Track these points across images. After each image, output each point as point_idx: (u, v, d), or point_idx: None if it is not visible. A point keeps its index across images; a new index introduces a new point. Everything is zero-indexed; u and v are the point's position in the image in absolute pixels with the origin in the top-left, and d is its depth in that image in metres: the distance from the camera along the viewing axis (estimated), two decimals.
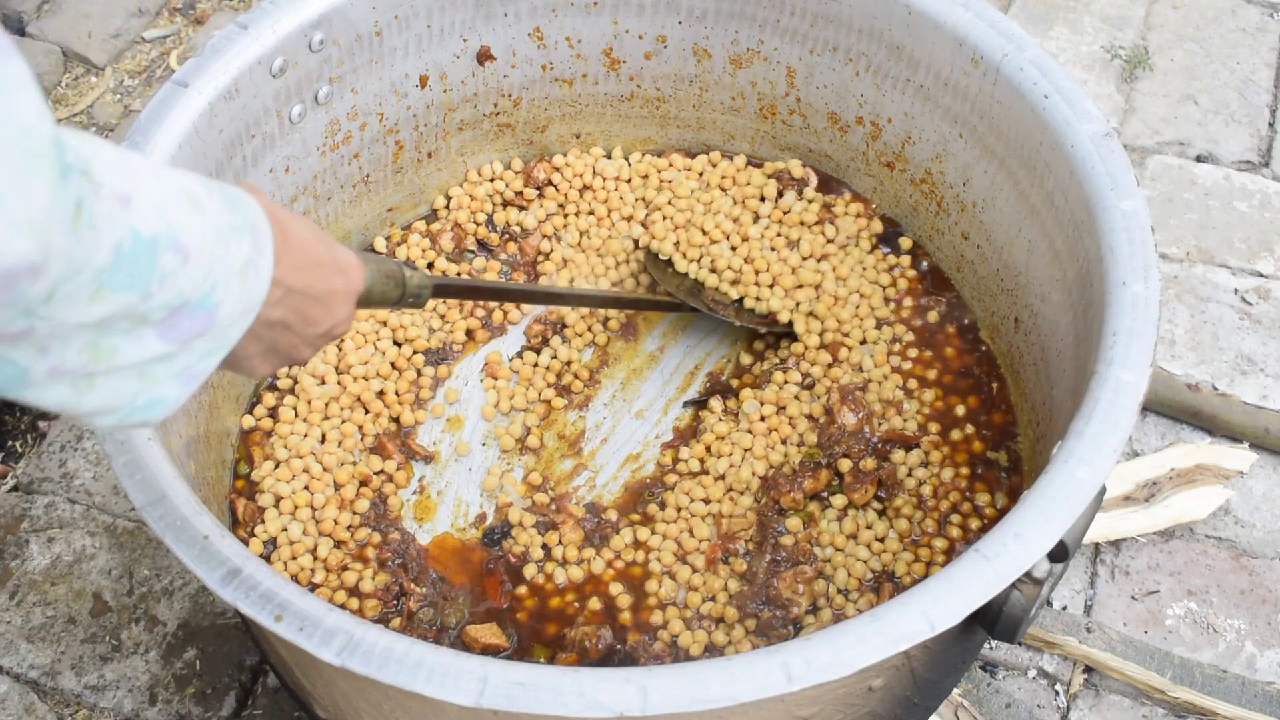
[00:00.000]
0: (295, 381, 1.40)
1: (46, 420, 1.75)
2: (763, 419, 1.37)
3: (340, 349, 1.42)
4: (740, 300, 1.45)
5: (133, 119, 1.77)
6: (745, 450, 1.35)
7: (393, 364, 1.42)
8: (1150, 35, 2.22)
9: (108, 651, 1.51)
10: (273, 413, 1.38)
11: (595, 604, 1.25)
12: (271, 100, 1.30)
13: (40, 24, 2.21)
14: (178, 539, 0.94)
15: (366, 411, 1.38)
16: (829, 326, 1.43)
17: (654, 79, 1.54)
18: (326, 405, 1.37)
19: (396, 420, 1.38)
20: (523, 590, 1.27)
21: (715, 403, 1.39)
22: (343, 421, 1.37)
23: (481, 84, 1.50)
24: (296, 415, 1.37)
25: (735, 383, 1.42)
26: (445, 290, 1.11)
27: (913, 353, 1.41)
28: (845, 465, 1.31)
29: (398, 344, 1.44)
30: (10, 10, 2.21)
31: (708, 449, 1.36)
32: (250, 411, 1.38)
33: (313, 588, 1.24)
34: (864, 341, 1.42)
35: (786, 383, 1.39)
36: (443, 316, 1.48)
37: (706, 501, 1.32)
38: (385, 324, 1.45)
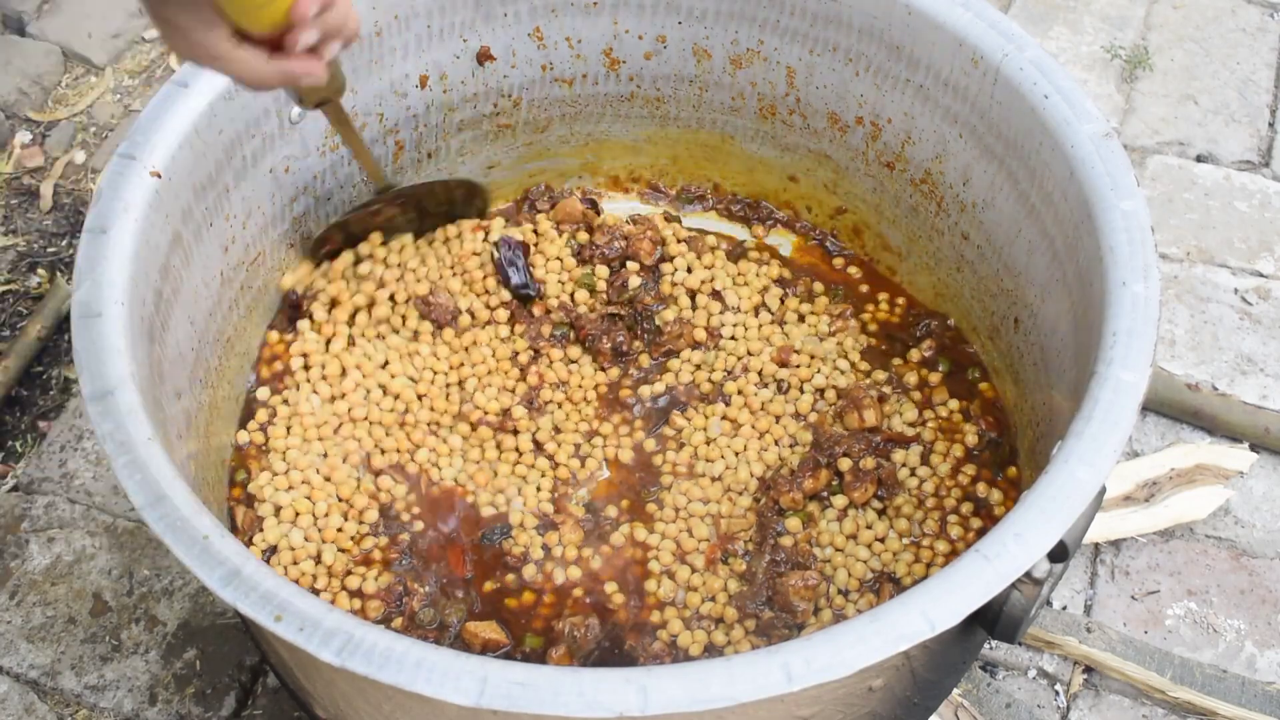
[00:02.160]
0: (287, 404, 1.37)
1: (46, 420, 1.75)
2: (753, 425, 1.38)
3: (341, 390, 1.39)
4: None
5: (133, 119, 1.77)
6: (738, 453, 1.35)
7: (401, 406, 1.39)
8: (1150, 35, 2.22)
9: (108, 651, 1.51)
10: (265, 428, 1.36)
11: (579, 593, 1.25)
12: (271, 100, 1.30)
13: (40, 24, 2.21)
14: (178, 539, 0.94)
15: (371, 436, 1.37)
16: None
17: (654, 79, 1.54)
18: (320, 426, 1.36)
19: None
20: (511, 579, 1.27)
21: (678, 419, 1.40)
22: (345, 439, 1.35)
23: (481, 84, 1.50)
24: (289, 432, 1.35)
25: (688, 398, 1.42)
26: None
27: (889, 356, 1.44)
28: (845, 465, 1.31)
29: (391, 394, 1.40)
30: (10, 10, 2.21)
31: (695, 453, 1.37)
32: (244, 426, 1.36)
33: (315, 592, 1.24)
34: (813, 357, 1.44)
35: (740, 392, 1.40)
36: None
37: (705, 502, 1.32)
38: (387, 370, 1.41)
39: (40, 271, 1.91)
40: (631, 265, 1.50)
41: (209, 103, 1.23)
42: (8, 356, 1.77)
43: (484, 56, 1.48)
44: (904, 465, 1.32)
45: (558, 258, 1.51)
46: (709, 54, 1.50)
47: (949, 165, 1.39)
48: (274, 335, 1.42)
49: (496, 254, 1.47)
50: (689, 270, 1.50)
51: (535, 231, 1.54)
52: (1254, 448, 1.69)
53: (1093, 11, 2.26)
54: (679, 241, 1.53)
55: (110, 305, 1.07)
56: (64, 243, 1.95)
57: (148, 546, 1.60)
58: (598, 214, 1.55)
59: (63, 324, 1.83)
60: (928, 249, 1.48)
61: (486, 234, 1.50)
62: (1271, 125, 2.09)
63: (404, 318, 1.43)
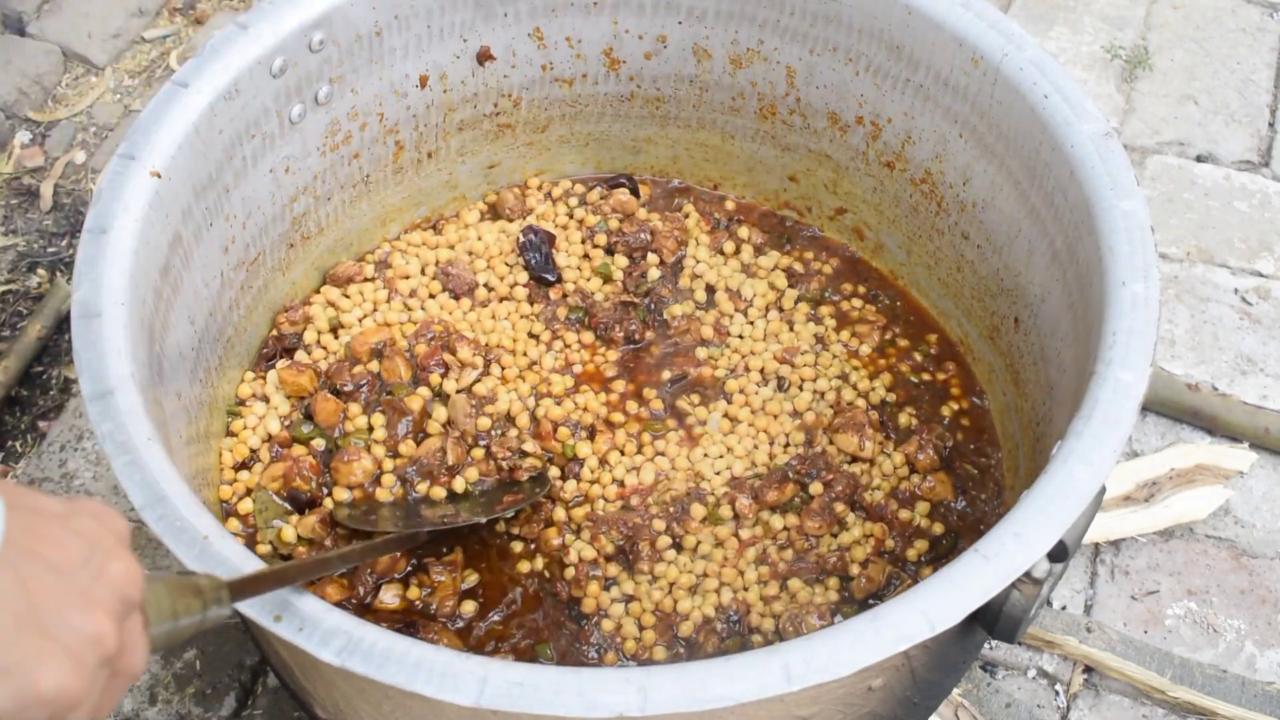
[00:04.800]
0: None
1: (46, 420, 1.75)
2: (750, 424, 1.38)
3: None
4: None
5: (133, 119, 1.77)
6: (730, 448, 1.36)
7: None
8: (1150, 35, 2.22)
9: None
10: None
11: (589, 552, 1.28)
12: (271, 100, 1.30)
13: (40, 24, 2.21)
14: (177, 539, 0.94)
15: None
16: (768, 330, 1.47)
17: (654, 79, 1.54)
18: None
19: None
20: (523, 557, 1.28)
21: (685, 406, 1.40)
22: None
23: (481, 84, 1.50)
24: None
25: (701, 387, 1.43)
26: (244, 589, 0.88)
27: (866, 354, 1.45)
28: (816, 489, 1.31)
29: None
30: (10, 10, 2.21)
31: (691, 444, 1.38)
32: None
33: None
34: (817, 357, 1.44)
35: (741, 390, 1.40)
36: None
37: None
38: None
39: (40, 271, 1.91)
40: (652, 258, 1.51)
41: (209, 103, 1.23)
42: (8, 356, 1.77)
43: (484, 56, 1.48)
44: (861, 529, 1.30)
45: (581, 242, 1.53)
46: (709, 54, 1.50)
47: (949, 165, 1.39)
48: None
49: (521, 238, 1.49)
50: (709, 266, 1.52)
51: (569, 216, 1.56)
52: (1254, 448, 1.69)
53: (1093, 11, 2.26)
54: (705, 232, 1.54)
55: (110, 305, 1.07)
56: (64, 243, 1.95)
57: (148, 546, 1.60)
58: (638, 199, 1.58)
59: (63, 324, 1.83)
60: (928, 249, 1.48)
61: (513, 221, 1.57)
62: (1271, 125, 2.09)
63: (428, 290, 1.48)
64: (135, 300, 1.10)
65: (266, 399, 1.38)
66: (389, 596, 1.23)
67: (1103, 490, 0.99)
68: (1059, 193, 1.21)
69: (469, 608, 1.24)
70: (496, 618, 1.24)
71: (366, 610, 1.23)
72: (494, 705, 0.84)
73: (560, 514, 1.30)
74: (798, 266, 1.53)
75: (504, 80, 1.51)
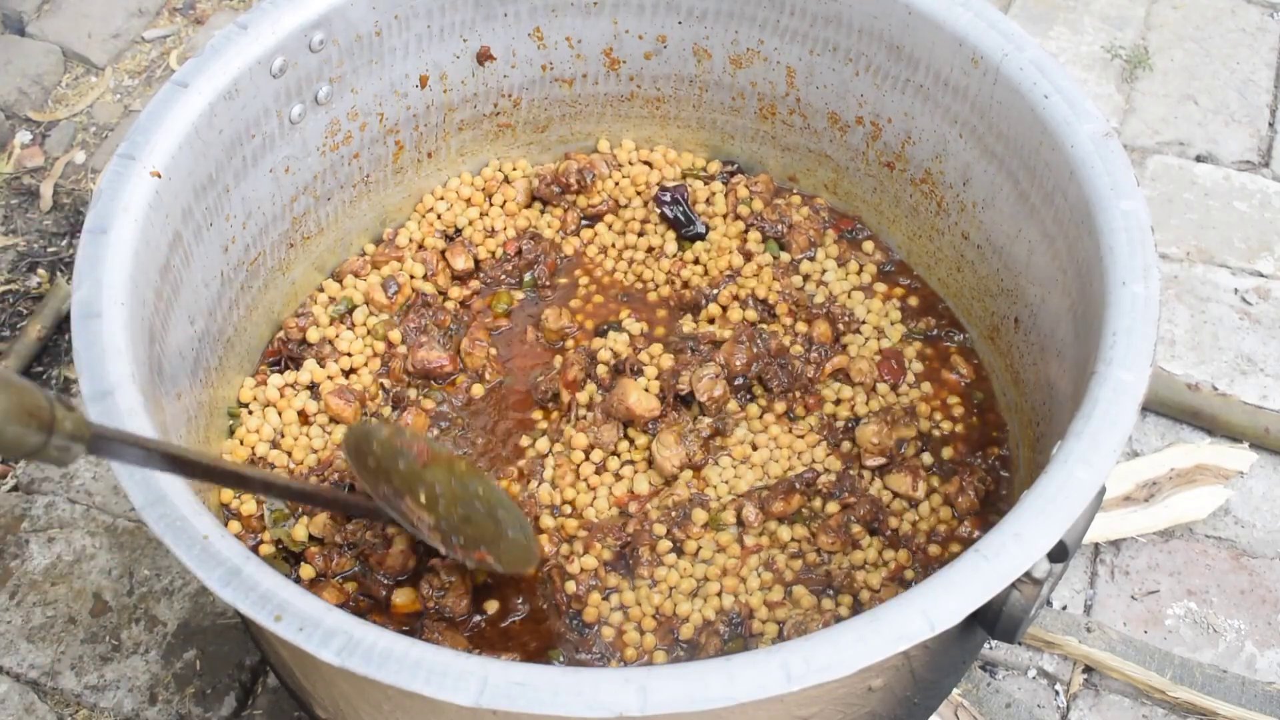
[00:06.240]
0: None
1: None
2: (775, 440, 1.36)
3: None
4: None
5: (133, 119, 1.77)
6: (741, 460, 1.34)
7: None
8: (1150, 35, 2.22)
9: (108, 651, 1.51)
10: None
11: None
12: (271, 100, 1.30)
13: (40, 24, 2.21)
14: (177, 539, 0.94)
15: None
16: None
17: (654, 79, 1.54)
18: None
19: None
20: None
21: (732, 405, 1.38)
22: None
23: (481, 84, 1.50)
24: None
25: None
26: (107, 447, 0.84)
27: (925, 386, 1.40)
28: (833, 508, 1.28)
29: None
30: (10, 10, 2.21)
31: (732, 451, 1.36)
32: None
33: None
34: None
35: (761, 415, 1.37)
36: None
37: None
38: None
39: (40, 271, 1.91)
40: (783, 255, 1.49)
41: (209, 103, 1.23)
42: (8, 356, 1.77)
43: (484, 56, 1.48)
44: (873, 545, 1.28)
45: (722, 217, 1.53)
46: (709, 54, 1.50)
47: (949, 165, 1.39)
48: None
49: (663, 194, 1.52)
50: (835, 277, 1.49)
51: (720, 193, 1.56)
52: (1254, 448, 1.69)
53: (1093, 11, 2.26)
54: (834, 242, 1.51)
55: (110, 305, 1.07)
56: (64, 243, 1.95)
57: (148, 546, 1.60)
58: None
59: (63, 324, 1.83)
60: (928, 249, 1.48)
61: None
62: (1271, 125, 2.09)
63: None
64: (135, 300, 1.10)
65: (305, 418, 1.37)
66: (401, 598, 1.23)
67: (1103, 490, 0.99)
68: (1059, 193, 1.21)
69: (492, 606, 1.24)
70: (513, 619, 1.25)
71: (382, 612, 1.23)
72: (494, 705, 0.84)
73: (548, 520, 1.29)
74: (912, 301, 1.47)
75: (504, 80, 1.51)
